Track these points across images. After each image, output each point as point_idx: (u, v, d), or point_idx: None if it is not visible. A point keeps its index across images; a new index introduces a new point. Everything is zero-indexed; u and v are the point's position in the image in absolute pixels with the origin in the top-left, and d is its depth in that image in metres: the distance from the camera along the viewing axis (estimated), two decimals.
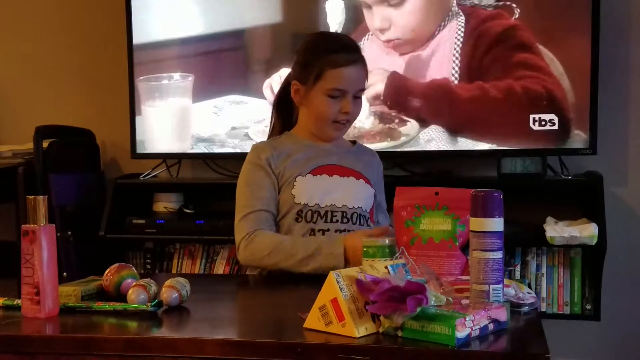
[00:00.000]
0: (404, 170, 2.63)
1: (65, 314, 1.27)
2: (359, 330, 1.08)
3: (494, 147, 2.49)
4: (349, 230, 1.70)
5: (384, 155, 2.36)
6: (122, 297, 1.32)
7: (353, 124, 1.85)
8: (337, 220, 1.71)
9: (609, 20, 2.46)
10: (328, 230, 1.70)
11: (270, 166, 1.73)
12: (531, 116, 2.44)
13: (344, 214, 1.72)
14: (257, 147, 1.80)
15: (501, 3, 2.45)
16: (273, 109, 1.88)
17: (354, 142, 1.92)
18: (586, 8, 2.38)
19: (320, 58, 1.71)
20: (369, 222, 1.76)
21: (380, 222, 1.83)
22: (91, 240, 2.67)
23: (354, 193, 1.74)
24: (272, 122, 1.88)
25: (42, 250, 1.23)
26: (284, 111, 1.85)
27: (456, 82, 2.49)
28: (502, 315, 1.13)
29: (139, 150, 2.79)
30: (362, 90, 1.75)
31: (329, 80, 1.70)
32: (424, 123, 2.54)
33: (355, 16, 2.57)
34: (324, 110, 1.73)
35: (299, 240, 1.67)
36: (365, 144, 2.07)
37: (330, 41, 1.78)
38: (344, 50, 1.72)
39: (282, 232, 1.73)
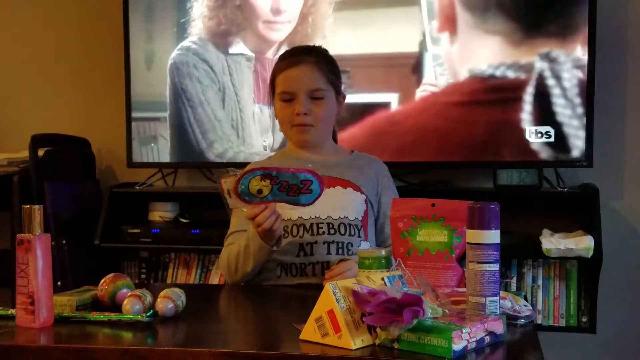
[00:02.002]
0: (401, 181, 2.63)
1: (59, 324, 1.26)
2: (355, 342, 1.07)
3: (490, 158, 2.50)
4: (337, 242, 1.70)
5: None
6: (117, 307, 1.31)
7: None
8: (323, 232, 1.70)
9: (605, 33, 2.47)
10: (315, 242, 1.69)
11: None
12: (527, 128, 2.45)
13: (330, 225, 1.71)
14: (248, 167, 1.82)
15: None
16: None
17: (352, 152, 1.91)
18: (582, 21, 2.40)
19: (273, 68, 1.80)
20: (361, 231, 1.74)
21: (385, 230, 1.80)
22: (86, 249, 2.66)
23: (340, 202, 1.73)
24: None
25: (37, 260, 1.23)
26: None
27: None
28: (499, 327, 1.13)
29: (135, 159, 2.78)
30: (318, 90, 1.75)
31: (279, 85, 1.78)
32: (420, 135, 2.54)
33: None
34: (280, 115, 1.79)
35: (237, 242, 1.70)
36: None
37: (285, 51, 1.85)
38: (289, 56, 1.80)
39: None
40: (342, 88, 1.86)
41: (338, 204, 1.73)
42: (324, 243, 1.70)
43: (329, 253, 1.69)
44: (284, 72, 1.76)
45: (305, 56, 1.77)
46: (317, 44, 1.92)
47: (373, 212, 1.80)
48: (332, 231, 1.71)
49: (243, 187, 1.52)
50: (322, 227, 1.70)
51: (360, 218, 1.74)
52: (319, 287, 1.64)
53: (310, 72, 1.75)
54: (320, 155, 1.81)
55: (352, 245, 1.71)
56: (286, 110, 1.76)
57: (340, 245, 1.70)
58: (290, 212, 1.71)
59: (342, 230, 1.71)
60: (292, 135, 1.80)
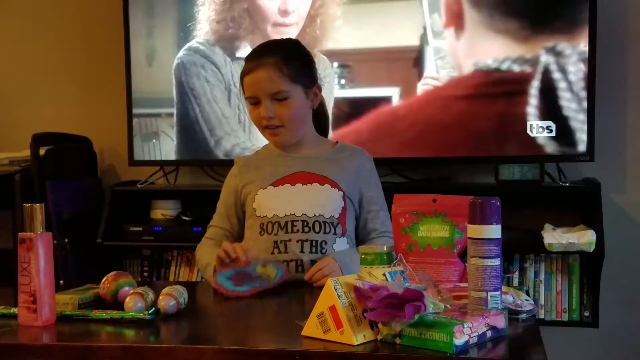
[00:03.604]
0: (402, 176, 2.63)
1: (62, 322, 1.26)
2: (357, 337, 1.07)
3: (491, 153, 2.49)
4: (311, 240, 1.70)
5: (382, 161, 2.37)
6: (119, 305, 1.31)
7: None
8: (297, 230, 1.70)
9: (606, 27, 2.46)
10: (289, 240, 1.70)
11: (235, 183, 1.82)
12: (529, 123, 2.45)
13: (305, 222, 1.71)
14: (234, 163, 1.88)
15: None
16: None
17: (337, 143, 1.87)
18: (583, 15, 2.39)
19: (241, 71, 1.80)
20: (338, 228, 1.73)
21: (368, 225, 1.79)
22: (88, 248, 2.66)
23: (315, 200, 1.72)
24: None
25: (39, 258, 1.23)
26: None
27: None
28: (500, 322, 1.13)
29: (137, 157, 2.79)
30: (279, 92, 1.72)
31: (244, 89, 1.78)
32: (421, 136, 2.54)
33: None
34: (251, 118, 1.81)
35: (210, 253, 1.74)
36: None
37: (249, 52, 1.83)
38: (247, 59, 1.79)
39: (250, 245, 1.74)
40: (317, 78, 1.81)
41: (314, 201, 1.72)
42: (297, 241, 1.70)
43: (302, 251, 1.69)
44: (246, 77, 1.75)
45: (265, 58, 1.73)
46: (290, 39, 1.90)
47: (353, 207, 1.78)
48: (306, 229, 1.70)
49: (219, 281, 1.55)
50: (296, 225, 1.70)
51: (336, 215, 1.73)
52: (295, 284, 1.66)
53: (270, 75, 1.72)
54: (301, 150, 1.81)
55: (326, 244, 1.70)
56: (254, 113, 1.77)
57: (313, 243, 1.70)
58: (266, 210, 1.73)
59: (317, 229, 1.71)
60: (266, 136, 1.81)
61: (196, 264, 1.85)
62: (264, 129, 1.77)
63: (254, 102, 1.75)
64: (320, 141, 1.86)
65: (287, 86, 1.73)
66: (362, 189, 1.79)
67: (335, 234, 1.72)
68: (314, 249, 1.70)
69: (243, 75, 1.76)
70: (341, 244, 1.72)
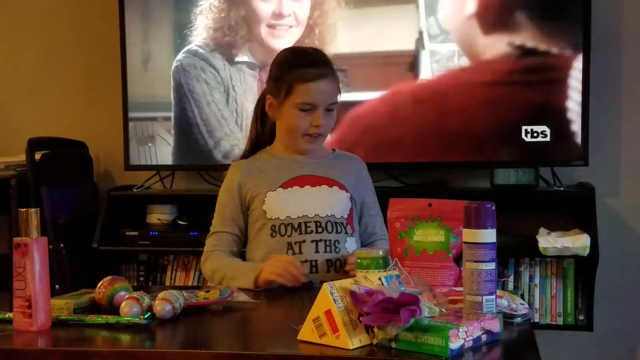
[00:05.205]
0: (398, 181, 2.64)
1: (57, 327, 1.26)
2: (352, 341, 1.08)
3: (487, 158, 2.50)
4: (325, 240, 1.72)
5: (377, 166, 2.38)
6: (115, 310, 1.31)
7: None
8: (311, 231, 1.72)
9: (600, 32, 2.48)
10: (304, 241, 1.72)
11: (238, 186, 1.80)
12: (523, 128, 2.45)
13: (318, 223, 1.73)
14: (231, 167, 1.87)
15: None
16: (252, 122, 1.90)
17: (334, 150, 1.92)
18: (578, 19, 2.40)
19: (290, 73, 1.75)
20: (347, 228, 1.76)
21: (368, 229, 1.83)
22: (84, 253, 2.66)
23: (326, 201, 1.75)
24: (250, 135, 1.90)
25: (34, 263, 1.23)
26: (262, 125, 1.88)
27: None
28: (495, 326, 1.13)
29: (133, 161, 2.79)
30: (334, 103, 1.77)
31: (299, 94, 1.74)
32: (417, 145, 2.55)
33: None
34: (295, 124, 1.77)
35: (232, 264, 1.74)
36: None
37: (300, 56, 1.80)
38: (312, 65, 1.75)
39: (260, 247, 1.76)
40: None
41: (325, 202, 1.75)
42: (312, 242, 1.72)
43: (317, 251, 1.71)
44: (307, 84, 1.72)
45: (325, 69, 1.75)
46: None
47: (357, 209, 1.82)
48: (319, 229, 1.73)
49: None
50: (310, 226, 1.73)
51: (345, 216, 1.77)
52: (310, 286, 1.67)
53: (330, 86, 1.75)
54: (305, 155, 1.82)
55: (339, 243, 1.73)
56: (303, 120, 1.75)
57: (327, 243, 1.72)
58: (278, 211, 1.74)
59: (330, 229, 1.73)
60: (300, 143, 1.79)
61: (209, 278, 1.79)
62: (305, 135, 1.77)
63: (308, 108, 1.74)
64: (320, 148, 1.89)
65: (337, 98, 1.79)
66: (363, 194, 1.84)
67: (346, 233, 1.76)
68: (328, 248, 1.72)
69: (301, 81, 1.72)
70: (351, 243, 1.76)
